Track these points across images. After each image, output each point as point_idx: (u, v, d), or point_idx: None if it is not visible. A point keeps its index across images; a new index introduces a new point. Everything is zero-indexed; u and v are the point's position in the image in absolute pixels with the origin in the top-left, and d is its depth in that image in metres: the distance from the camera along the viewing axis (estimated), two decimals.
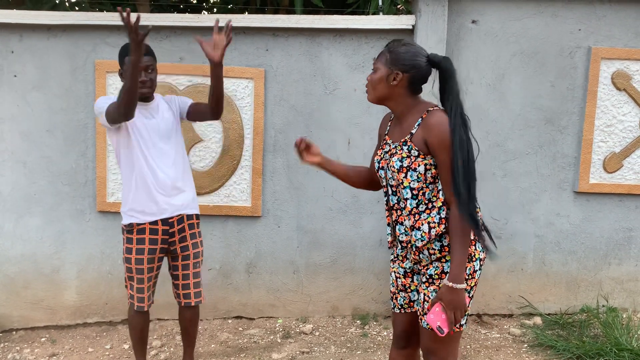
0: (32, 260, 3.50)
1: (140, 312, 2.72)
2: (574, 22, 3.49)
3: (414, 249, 1.98)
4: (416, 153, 1.90)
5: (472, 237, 1.94)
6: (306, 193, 3.56)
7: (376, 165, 2.08)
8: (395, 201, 2.02)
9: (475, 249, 1.95)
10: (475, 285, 1.97)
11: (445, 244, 1.93)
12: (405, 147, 1.93)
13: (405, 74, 1.91)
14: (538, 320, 3.59)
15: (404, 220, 1.99)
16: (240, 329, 3.53)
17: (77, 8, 4.97)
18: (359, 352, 3.22)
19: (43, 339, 3.43)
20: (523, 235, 3.66)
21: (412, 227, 1.96)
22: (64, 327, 3.56)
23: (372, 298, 3.69)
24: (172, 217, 2.66)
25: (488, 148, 3.57)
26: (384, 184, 2.07)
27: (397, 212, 2.03)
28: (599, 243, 3.70)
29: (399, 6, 4.89)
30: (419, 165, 1.90)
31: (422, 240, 1.94)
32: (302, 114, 3.50)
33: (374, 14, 4.09)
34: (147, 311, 2.76)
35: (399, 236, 2.04)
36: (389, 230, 2.11)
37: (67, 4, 4.92)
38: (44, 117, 3.41)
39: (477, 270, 1.96)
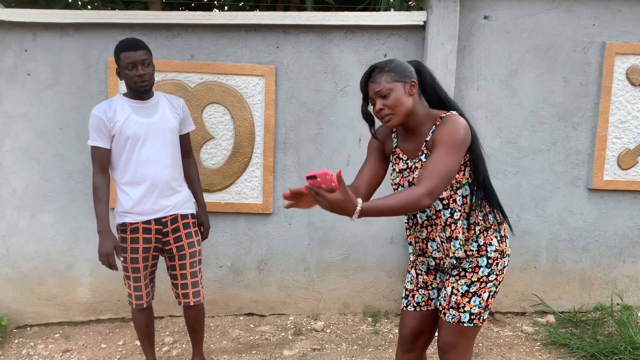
0: (46, 257, 3.53)
1: (140, 309, 2.73)
2: (588, 17, 3.45)
3: (455, 260, 1.96)
4: None
5: (503, 234, 1.99)
6: None
7: (394, 183, 2.03)
8: (425, 218, 1.98)
9: (506, 246, 1.99)
10: (502, 280, 2.00)
11: (482, 243, 1.95)
12: (422, 157, 1.91)
13: (414, 80, 1.89)
14: (551, 318, 3.56)
15: (436, 236, 1.97)
16: (252, 325, 3.54)
17: (89, 7, 5.00)
18: (370, 350, 3.21)
19: (57, 335, 3.46)
20: (536, 233, 3.63)
21: (450, 238, 1.94)
22: (77, 323, 3.59)
23: (384, 296, 3.68)
24: (165, 217, 2.66)
25: (500, 145, 3.54)
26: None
27: (427, 229, 2.00)
28: (613, 240, 3.66)
29: (410, 2, 4.87)
30: None
31: (460, 248, 1.94)
32: (312, 111, 3.50)
33: (385, 10, 4.07)
34: (149, 307, 2.78)
35: (431, 253, 2.01)
36: (410, 249, 2.09)
37: (79, 2, 4.95)
38: (58, 115, 3.43)
39: (506, 266, 2.00)
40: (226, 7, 5.83)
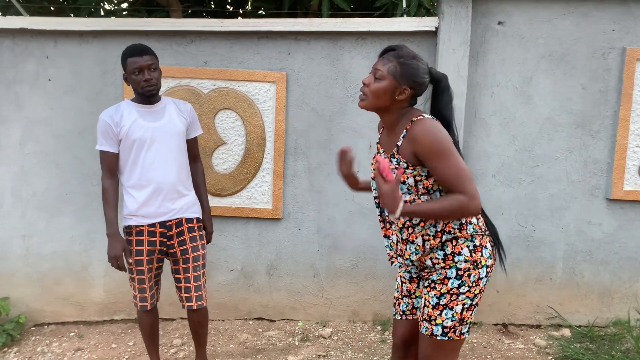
0: (63, 258, 3.63)
1: (145, 310, 2.77)
2: (607, 22, 3.35)
3: (409, 262, 1.96)
4: (405, 165, 1.86)
5: (479, 244, 1.91)
6: (327, 196, 3.55)
7: (371, 174, 2.06)
8: (387, 213, 1.99)
9: (482, 256, 1.91)
10: (480, 293, 1.92)
11: (449, 252, 1.89)
12: (393, 160, 1.90)
13: (412, 90, 1.86)
14: (567, 332, 3.45)
15: (391, 234, 1.97)
16: (260, 330, 3.55)
17: (111, 16, 5.15)
18: (375, 358, 3.17)
19: (72, 334, 3.55)
20: (552, 244, 3.53)
21: (407, 241, 1.93)
22: (92, 323, 3.68)
23: None
24: (170, 221, 2.69)
25: (515, 153, 3.47)
26: (375, 194, 2.03)
27: (386, 226, 2.01)
28: (634, 253, 3.53)
29: (430, 10, 4.83)
30: (407, 178, 1.86)
31: (416, 254, 1.91)
32: (323, 117, 3.50)
33: (402, 17, 4.04)
34: (154, 309, 2.82)
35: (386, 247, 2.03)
36: (386, 242, 2.07)
37: (102, 11, 5.10)
38: (76, 120, 3.53)
39: (482, 278, 1.91)
40: (249, 15, 5.90)
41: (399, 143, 1.88)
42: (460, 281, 1.88)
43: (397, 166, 1.87)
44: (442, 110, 1.91)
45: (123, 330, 3.59)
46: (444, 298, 1.89)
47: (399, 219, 1.87)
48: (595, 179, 3.47)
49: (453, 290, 1.88)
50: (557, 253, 3.54)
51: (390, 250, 2.03)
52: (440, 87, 1.89)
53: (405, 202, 1.85)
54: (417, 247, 1.90)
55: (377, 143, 2.06)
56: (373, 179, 2.02)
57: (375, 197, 2.03)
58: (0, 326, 3.42)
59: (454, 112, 1.91)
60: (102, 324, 3.67)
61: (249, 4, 5.88)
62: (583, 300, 3.58)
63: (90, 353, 3.30)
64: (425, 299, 1.94)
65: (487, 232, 1.96)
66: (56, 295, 3.67)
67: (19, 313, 3.61)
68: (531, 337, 3.43)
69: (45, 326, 3.66)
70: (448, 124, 1.89)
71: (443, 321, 1.89)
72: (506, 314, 3.61)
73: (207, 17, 5.49)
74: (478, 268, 1.89)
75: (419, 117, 1.85)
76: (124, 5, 5.70)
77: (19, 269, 3.63)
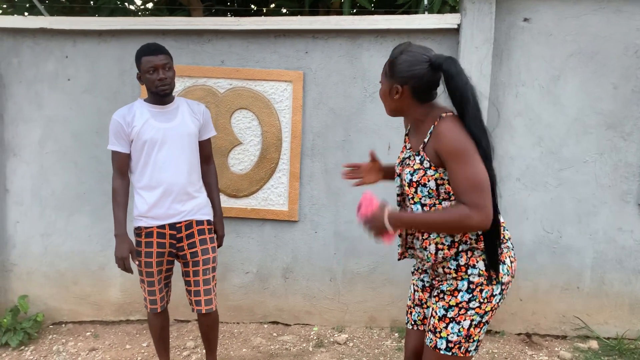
0: (80, 257, 3.64)
1: (155, 313, 2.73)
2: None
3: (431, 265, 1.87)
4: (428, 164, 1.76)
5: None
6: (344, 199, 3.46)
7: (395, 172, 1.97)
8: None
9: (500, 272, 1.79)
10: (492, 310, 1.79)
11: (462, 263, 1.78)
12: (417, 158, 1.80)
13: (405, 86, 1.76)
14: (594, 343, 3.28)
15: (419, 235, 1.87)
16: (275, 334, 3.48)
17: (132, 15, 5.16)
18: None
19: (88, 333, 3.55)
20: (579, 251, 3.37)
21: (421, 247, 1.83)
22: (108, 322, 3.68)
23: None
24: (180, 223, 2.64)
25: (541, 155, 3.32)
26: (399, 192, 1.95)
27: None
28: None
29: (456, 7, 4.69)
30: (428, 181, 1.76)
31: (427, 262, 1.81)
32: (341, 117, 3.41)
33: (423, 14, 3.93)
34: (164, 311, 2.78)
35: (415, 246, 1.93)
36: (399, 241, 1.98)
37: (122, 11, 5.12)
38: (94, 119, 3.53)
39: (495, 295, 1.78)
40: (270, 14, 5.85)
41: (426, 140, 1.78)
42: (470, 295, 1.76)
43: (420, 165, 1.78)
44: (452, 99, 1.74)
45: (138, 330, 3.57)
46: (452, 311, 1.78)
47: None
48: (626, 183, 3.29)
49: (462, 304, 1.77)
50: (585, 261, 3.37)
51: (420, 252, 1.94)
52: (444, 75, 1.73)
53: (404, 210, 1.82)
54: (429, 255, 1.80)
55: (406, 135, 1.97)
56: (398, 175, 1.93)
57: (397, 195, 1.95)
58: (19, 324, 3.45)
59: (469, 99, 1.68)
60: (118, 324, 3.66)
61: (272, 3, 5.82)
62: (612, 310, 3.40)
63: (104, 353, 3.29)
64: (433, 309, 1.84)
65: (511, 247, 1.84)
66: (74, 294, 3.67)
67: (38, 311, 3.63)
68: (556, 349, 3.28)
69: (63, 325, 3.67)
70: (459, 115, 1.73)
71: (448, 335, 1.79)
72: (530, 323, 3.46)
73: (228, 16, 5.46)
74: (492, 284, 1.77)
75: (446, 114, 1.75)
76: (149, 5, 5.72)
77: (38, 267, 3.65)
